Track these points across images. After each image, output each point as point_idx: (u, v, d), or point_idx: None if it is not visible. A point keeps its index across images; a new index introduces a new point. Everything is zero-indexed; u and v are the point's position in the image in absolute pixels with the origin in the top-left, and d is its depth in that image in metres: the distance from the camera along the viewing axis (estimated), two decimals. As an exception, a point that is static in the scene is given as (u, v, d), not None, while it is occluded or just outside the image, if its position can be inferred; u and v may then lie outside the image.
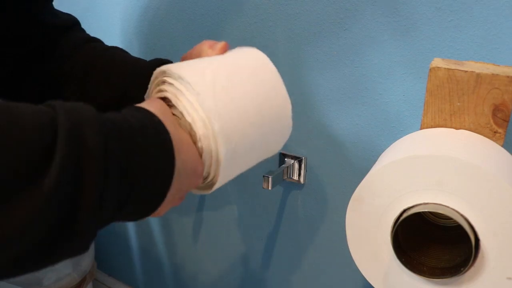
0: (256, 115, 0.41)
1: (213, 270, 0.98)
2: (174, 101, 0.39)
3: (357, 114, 0.68)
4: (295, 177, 0.76)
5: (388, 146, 0.53)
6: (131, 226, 1.13)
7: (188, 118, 0.38)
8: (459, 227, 0.42)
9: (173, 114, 0.40)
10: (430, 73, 0.49)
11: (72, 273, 1.03)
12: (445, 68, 0.48)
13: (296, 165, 0.76)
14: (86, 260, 1.07)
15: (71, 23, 0.61)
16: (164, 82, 0.41)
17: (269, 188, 0.71)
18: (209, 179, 0.42)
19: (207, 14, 0.79)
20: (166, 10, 0.85)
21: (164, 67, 0.41)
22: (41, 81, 0.58)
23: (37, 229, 0.27)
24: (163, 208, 0.38)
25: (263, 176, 0.70)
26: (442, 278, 0.44)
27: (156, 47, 0.88)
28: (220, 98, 0.38)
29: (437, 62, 0.49)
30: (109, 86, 0.58)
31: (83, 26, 0.63)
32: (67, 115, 0.29)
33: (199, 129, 0.38)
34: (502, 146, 0.48)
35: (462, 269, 0.43)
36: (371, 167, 0.49)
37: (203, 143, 0.38)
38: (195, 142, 0.39)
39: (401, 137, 0.53)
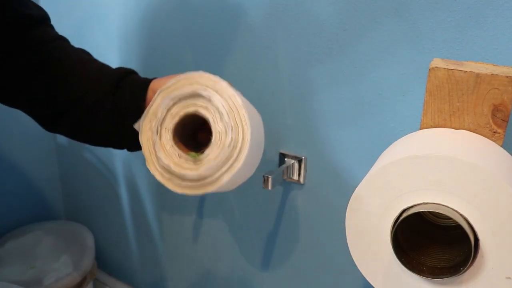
0: (258, 139, 0.54)
1: (213, 269, 0.98)
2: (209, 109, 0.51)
3: (356, 114, 0.68)
4: (295, 177, 0.76)
5: (388, 146, 0.53)
6: (131, 226, 1.13)
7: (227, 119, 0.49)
8: (458, 226, 0.42)
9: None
10: (430, 73, 0.49)
11: (73, 272, 1.03)
12: (444, 68, 0.48)
13: (296, 165, 0.76)
14: (87, 259, 1.08)
15: (42, 17, 0.62)
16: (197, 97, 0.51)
17: (269, 188, 0.71)
18: (216, 175, 0.50)
19: (206, 15, 0.79)
20: (166, 11, 0.85)
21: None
22: (6, 71, 0.59)
23: None
24: None
25: (263, 176, 0.70)
26: (441, 277, 0.44)
27: (156, 48, 0.89)
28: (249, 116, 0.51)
29: (437, 62, 0.49)
30: (73, 85, 0.60)
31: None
32: None
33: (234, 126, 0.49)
34: (502, 146, 0.48)
35: (461, 268, 0.43)
36: (371, 167, 0.50)
37: (233, 135, 0.49)
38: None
39: (401, 137, 0.53)
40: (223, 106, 0.49)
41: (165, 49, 0.87)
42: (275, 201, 0.82)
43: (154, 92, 0.56)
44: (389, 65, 0.63)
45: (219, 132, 0.49)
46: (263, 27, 0.73)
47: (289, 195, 0.80)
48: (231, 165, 0.49)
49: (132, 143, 0.60)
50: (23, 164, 1.20)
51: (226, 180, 0.49)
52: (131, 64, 0.93)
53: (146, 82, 0.61)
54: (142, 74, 0.65)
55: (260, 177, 0.71)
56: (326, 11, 0.66)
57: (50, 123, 0.63)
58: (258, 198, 0.84)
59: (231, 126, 0.49)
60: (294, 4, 0.68)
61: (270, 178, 0.70)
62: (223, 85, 0.50)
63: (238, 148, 0.49)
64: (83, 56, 0.64)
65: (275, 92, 0.75)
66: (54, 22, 0.65)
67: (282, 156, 0.77)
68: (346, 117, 0.69)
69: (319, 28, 0.67)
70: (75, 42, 0.66)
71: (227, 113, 0.49)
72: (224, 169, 0.49)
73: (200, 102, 0.50)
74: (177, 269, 1.06)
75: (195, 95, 0.50)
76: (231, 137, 0.49)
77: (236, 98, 0.50)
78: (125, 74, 0.62)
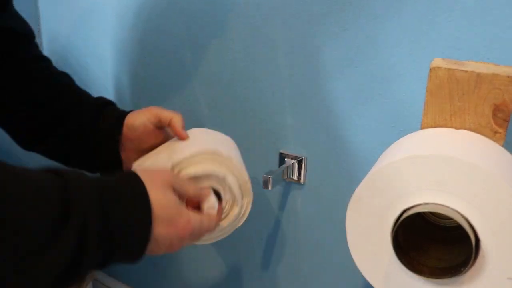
0: None
1: (213, 270, 0.98)
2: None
3: (357, 114, 0.68)
4: (295, 177, 0.76)
5: (388, 146, 0.53)
6: (131, 226, 1.12)
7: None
8: (459, 227, 0.42)
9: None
10: (431, 73, 0.48)
11: (72, 273, 1.03)
12: (445, 68, 0.47)
13: (296, 165, 0.75)
14: (86, 260, 1.07)
15: (27, 33, 0.63)
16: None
17: (269, 188, 0.70)
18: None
19: (206, 14, 0.79)
20: (165, 10, 0.84)
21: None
22: None
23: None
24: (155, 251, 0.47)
25: (263, 176, 0.70)
26: (442, 278, 0.44)
27: (155, 46, 0.88)
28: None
29: (437, 62, 0.49)
30: (54, 107, 0.62)
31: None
32: (76, 192, 0.40)
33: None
34: (503, 146, 0.48)
35: (462, 269, 0.43)
36: (371, 167, 0.49)
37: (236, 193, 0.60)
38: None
39: (401, 137, 0.53)
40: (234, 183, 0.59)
41: (165, 48, 0.87)
42: (275, 201, 0.82)
43: (129, 126, 0.61)
44: (389, 64, 0.63)
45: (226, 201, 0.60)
46: (263, 27, 0.73)
47: (289, 195, 0.79)
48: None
49: (104, 170, 0.63)
50: (23, 165, 1.20)
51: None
52: (125, 64, 0.93)
53: (123, 115, 0.63)
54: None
55: (260, 177, 0.71)
56: (326, 11, 0.66)
57: (30, 141, 0.64)
58: (258, 198, 0.83)
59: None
60: (295, 3, 0.68)
61: (270, 178, 0.70)
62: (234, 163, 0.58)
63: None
64: (65, 80, 0.66)
65: (275, 92, 0.75)
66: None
67: (282, 156, 0.77)
68: (346, 117, 0.69)
69: (319, 27, 0.67)
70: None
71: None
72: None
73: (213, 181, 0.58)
74: (176, 270, 1.06)
75: (209, 177, 0.57)
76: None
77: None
78: (105, 105, 0.65)
